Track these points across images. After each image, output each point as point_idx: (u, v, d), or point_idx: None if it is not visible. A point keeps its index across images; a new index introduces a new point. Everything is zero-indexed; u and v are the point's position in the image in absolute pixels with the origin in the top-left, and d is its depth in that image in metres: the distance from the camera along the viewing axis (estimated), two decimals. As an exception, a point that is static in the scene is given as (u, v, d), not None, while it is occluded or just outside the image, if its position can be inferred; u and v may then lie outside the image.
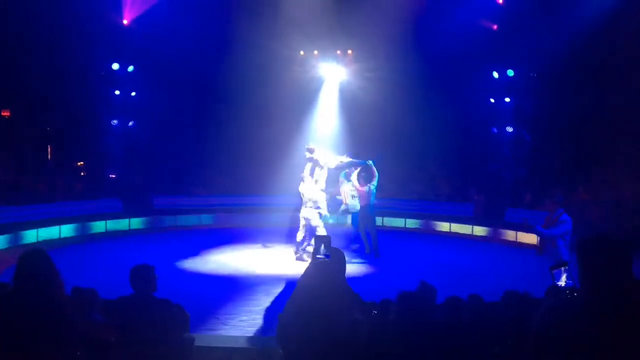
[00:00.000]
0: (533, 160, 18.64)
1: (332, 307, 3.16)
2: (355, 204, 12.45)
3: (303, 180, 11.90)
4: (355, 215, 12.75)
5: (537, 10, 16.99)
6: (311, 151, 11.84)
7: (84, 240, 14.30)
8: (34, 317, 3.29)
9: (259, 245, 13.47)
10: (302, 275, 3.44)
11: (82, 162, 19.05)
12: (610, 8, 15.09)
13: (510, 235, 15.35)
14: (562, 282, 2.87)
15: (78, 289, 4.73)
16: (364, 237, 12.28)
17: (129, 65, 18.73)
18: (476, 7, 17.94)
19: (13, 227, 13.49)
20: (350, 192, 12.53)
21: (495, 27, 18.50)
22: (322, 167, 11.87)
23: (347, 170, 12.47)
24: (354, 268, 11.19)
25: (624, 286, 2.47)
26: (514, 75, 18.53)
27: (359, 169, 12.22)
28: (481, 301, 5.05)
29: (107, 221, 15.64)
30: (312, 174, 11.88)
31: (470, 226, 16.33)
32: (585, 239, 2.58)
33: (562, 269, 2.89)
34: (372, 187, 11.99)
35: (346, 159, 12.22)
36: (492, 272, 11.37)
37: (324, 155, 12.00)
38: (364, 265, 11.66)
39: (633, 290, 2.48)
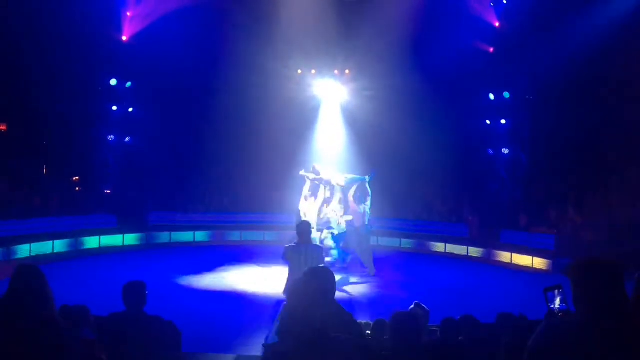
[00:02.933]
0: (528, 182, 18.69)
1: (324, 328, 3.13)
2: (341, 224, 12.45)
3: (305, 200, 11.97)
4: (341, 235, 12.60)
5: (533, 34, 17.16)
6: (317, 172, 12.00)
7: (77, 255, 14.21)
8: (25, 332, 3.26)
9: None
10: (288, 297, 3.41)
11: (77, 177, 19.00)
12: (606, 32, 15.26)
13: (505, 256, 15.33)
14: (556, 305, 2.86)
15: (66, 307, 4.68)
16: (363, 258, 12.26)
17: (127, 81, 18.79)
18: (473, 30, 18.11)
19: (6, 242, 13.41)
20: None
21: (491, 49, 18.66)
22: (332, 187, 12.07)
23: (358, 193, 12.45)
24: (348, 288, 11.16)
25: (617, 308, 2.47)
26: (509, 98, 18.65)
27: (354, 187, 12.26)
28: (474, 322, 5.03)
29: (101, 237, 15.56)
30: (315, 194, 12.03)
31: (466, 247, 16.32)
32: (579, 262, 2.59)
33: (556, 291, 2.87)
34: (367, 208, 12.00)
35: (349, 176, 12.31)
36: (487, 294, 11.34)
37: (331, 174, 12.19)
38: (358, 285, 11.62)
39: (627, 312, 2.48)
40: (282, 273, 12.13)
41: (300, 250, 7.20)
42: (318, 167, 12.59)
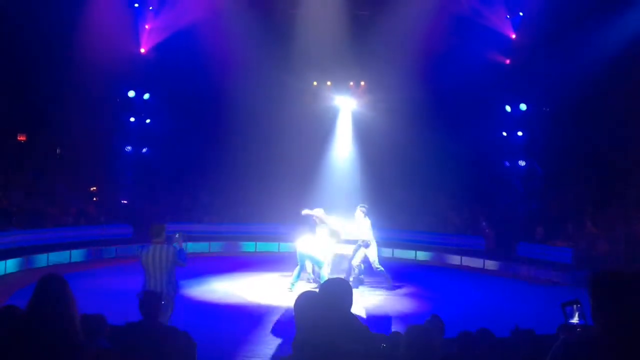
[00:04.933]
0: (545, 195, 18.52)
1: (339, 340, 3.12)
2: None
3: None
4: None
5: (549, 46, 17.09)
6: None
7: (93, 265, 14.29)
8: (47, 341, 3.28)
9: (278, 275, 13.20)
10: (304, 308, 3.38)
11: (95, 187, 19.20)
12: (624, 43, 15.14)
13: (521, 269, 15.16)
14: (574, 320, 2.83)
15: (85, 316, 4.71)
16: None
17: (145, 93, 19.00)
18: (489, 41, 18.08)
19: (24, 251, 13.54)
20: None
21: (507, 61, 18.60)
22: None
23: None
24: (363, 300, 11.11)
25: (637, 321, 2.44)
26: (526, 109, 18.54)
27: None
28: (491, 336, 4.98)
29: (117, 247, 15.64)
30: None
31: (482, 260, 16.16)
32: (597, 274, 2.56)
33: (574, 306, 2.84)
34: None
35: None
36: (503, 307, 11.22)
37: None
38: (373, 297, 11.57)
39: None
40: (297, 284, 12.20)
41: (149, 252, 7.26)
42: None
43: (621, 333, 2.42)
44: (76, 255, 14.59)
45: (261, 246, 17.53)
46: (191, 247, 16.87)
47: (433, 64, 17.26)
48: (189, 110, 18.82)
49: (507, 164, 19.26)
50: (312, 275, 12.28)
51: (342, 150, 19.28)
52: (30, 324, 3.33)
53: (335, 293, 3.46)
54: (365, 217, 12.16)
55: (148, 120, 19.30)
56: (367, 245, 12.09)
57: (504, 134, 19.13)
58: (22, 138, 18.80)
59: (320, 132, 19.18)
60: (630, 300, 2.48)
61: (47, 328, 3.30)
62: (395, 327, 8.55)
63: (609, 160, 16.41)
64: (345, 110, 19.58)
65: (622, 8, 15.52)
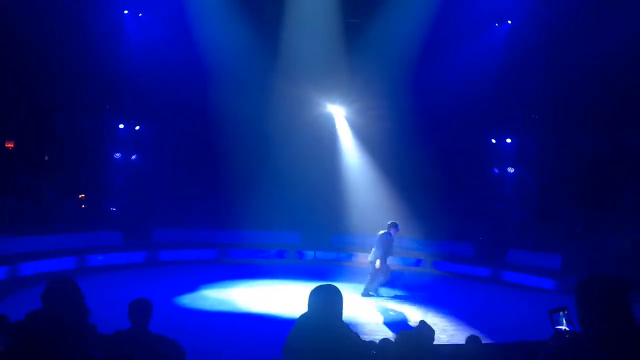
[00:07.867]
0: (535, 201, 18.62)
1: (330, 347, 3.13)
2: None
3: None
4: None
5: (539, 54, 17.23)
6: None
7: (82, 272, 14.18)
8: (59, 341, 3.27)
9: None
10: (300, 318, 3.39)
11: (83, 195, 19.07)
12: (614, 52, 15.28)
13: (511, 276, 15.24)
14: (562, 327, 2.84)
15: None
16: None
17: (134, 100, 18.92)
18: (478, 49, 18.19)
19: (11, 259, 13.40)
20: None
21: (497, 69, 18.69)
22: None
23: None
24: (354, 307, 11.10)
25: (624, 325, 2.46)
26: (515, 117, 18.65)
27: None
28: (480, 342, 5.00)
29: (106, 254, 15.55)
30: None
31: (472, 266, 16.23)
32: (583, 280, 2.58)
33: (561, 313, 2.86)
34: None
35: None
36: (492, 313, 11.26)
37: None
38: (363, 304, 11.57)
39: (634, 330, 2.46)
40: (287, 291, 12.19)
41: None
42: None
43: (608, 338, 2.43)
44: (64, 262, 14.47)
45: (251, 253, 17.50)
46: (182, 254, 16.87)
47: (422, 71, 17.37)
48: (179, 117, 18.77)
49: (497, 170, 19.36)
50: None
51: (352, 158, 19.37)
52: (45, 322, 3.32)
53: (325, 300, 3.46)
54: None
55: (137, 127, 19.23)
56: None
57: (493, 140, 19.24)
58: (9, 145, 18.68)
59: (311, 139, 19.19)
60: (616, 305, 2.49)
61: (61, 329, 3.29)
62: (385, 334, 8.55)
63: (600, 167, 16.53)
64: (337, 118, 19.63)
65: (613, 16, 15.67)
